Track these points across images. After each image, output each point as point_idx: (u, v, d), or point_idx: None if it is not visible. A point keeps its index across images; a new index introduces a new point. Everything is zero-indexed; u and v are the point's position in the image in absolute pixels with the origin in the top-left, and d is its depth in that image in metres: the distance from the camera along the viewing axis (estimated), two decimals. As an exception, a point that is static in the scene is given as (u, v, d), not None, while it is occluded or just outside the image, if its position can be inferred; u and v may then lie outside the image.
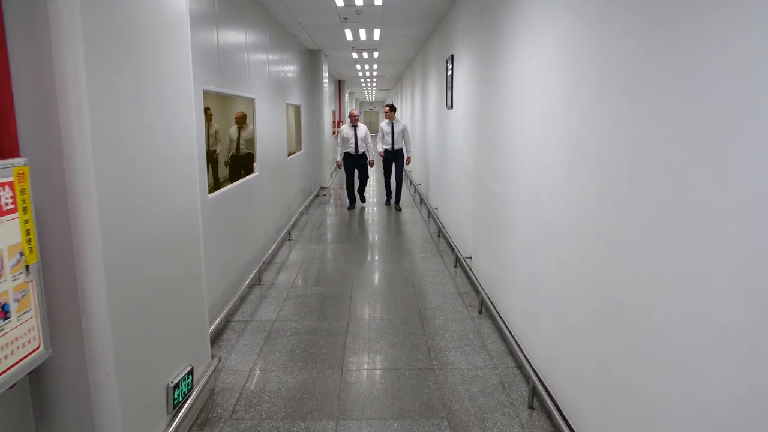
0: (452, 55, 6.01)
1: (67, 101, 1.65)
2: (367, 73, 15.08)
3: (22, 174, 1.48)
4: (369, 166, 8.61)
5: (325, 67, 10.48)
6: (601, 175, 2.15)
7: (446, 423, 2.68)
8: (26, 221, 1.49)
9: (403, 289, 4.76)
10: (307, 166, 9.67)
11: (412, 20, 6.93)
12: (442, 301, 4.44)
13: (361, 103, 35.39)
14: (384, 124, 8.45)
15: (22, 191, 1.48)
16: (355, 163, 8.51)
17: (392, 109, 8.37)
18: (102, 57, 1.80)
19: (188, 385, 2.54)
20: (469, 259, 4.99)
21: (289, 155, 7.78)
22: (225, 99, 8.38)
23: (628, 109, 1.90)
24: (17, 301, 1.46)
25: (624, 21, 1.93)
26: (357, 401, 2.89)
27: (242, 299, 4.46)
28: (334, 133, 13.25)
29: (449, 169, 6.43)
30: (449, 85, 6.24)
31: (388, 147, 8.42)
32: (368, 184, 9.14)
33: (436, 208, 7.52)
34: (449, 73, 6.21)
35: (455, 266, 5.43)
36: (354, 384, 3.08)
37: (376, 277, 5.14)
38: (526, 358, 3.05)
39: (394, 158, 8.49)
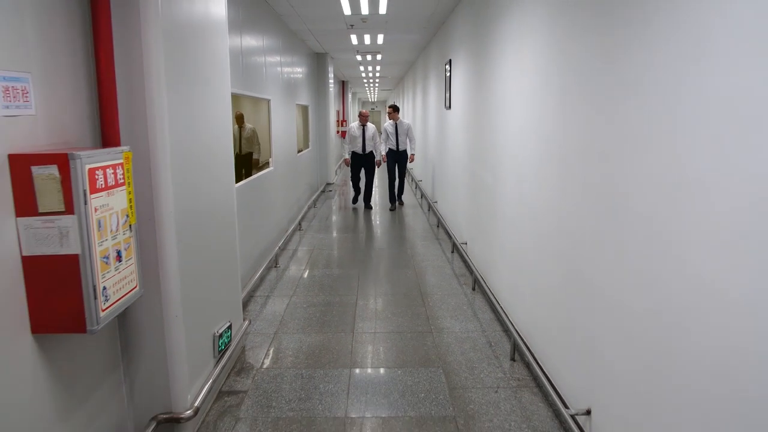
0: (450, 60, 6.55)
1: (152, 109, 2.19)
2: (370, 74, 15.61)
3: (127, 158, 2.02)
4: (377, 166, 8.68)
5: (330, 69, 11.02)
6: (564, 163, 2.68)
7: (441, 370, 3.22)
8: (129, 192, 2.03)
9: (405, 270, 5.29)
10: (314, 162, 10.21)
11: (414, 27, 7.46)
12: (440, 280, 4.98)
13: (363, 102, 35.92)
14: (388, 125, 8.50)
15: (127, 170, 2.02)
16: (361, 162, 8.61)
17: (395, 109, 8.47)
18: (174, 77, 2.34)
19: (228, 337, 3.08)
20: (464, 245, 5.53)
21: (298, 152, 8.32)
22: (235, 98, 8.92)
23: (581, 110, 2.44)
24: (125, 250, 2.00)
25: (580, 40, 2.47)
26: (366, 355, 3.43)
27: (261, 279, 5.00)
28: (337, 132, 13.76)
29: (447, 165, 6.96)
30: (447, 87, 6.77)
31: (393, 147, 8.48)
32: (373, 186, 9.11)
33: (436, 202, 8.06)
34: (447, 75, 6.75)
35: (452, 252, 5.96)
36: (364, 343, 3.62)
37: (381, 261, 5.67)
38: (510, 322, 3.58)
39: (399, 159, 8.56)
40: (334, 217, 8.21)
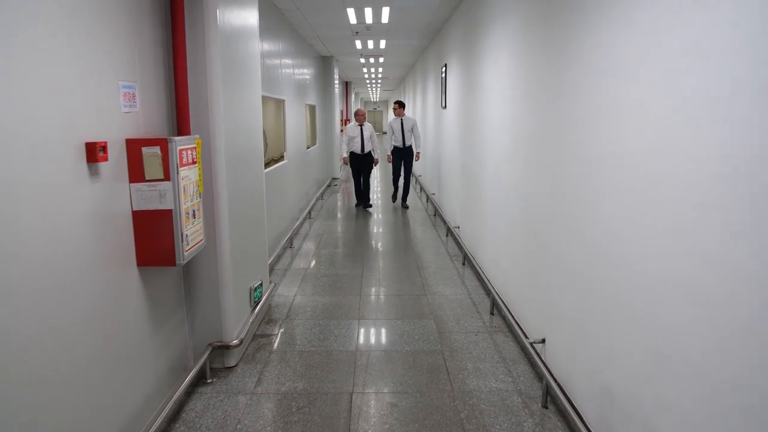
0: (446, 64, 7.27)
1: (212, 109, 2.92)
2: (373, 76, 16.33)
3: (198, 143, 2.75)
4: (375, 165, 8.63)
5: (336, 71, 11.75)
6: (527, 150, 3.41)
7: (432, 321, 3.95)
8: (199, 168, 2.76)
9: (405, 250, 6.03)
10: (320, 158, 10.94)
11: (413, 33, 8.19)
12: (435, 257, 5.71)
13: (366, 102, 36.65)
14: (393, 121, 8.39)
15: (198, 153, 2.75)
16: (359, 162, 8.48)
17: (401, 105, 8.38)
18: (225, 85, 3.06)
19: (260, 292, 3.81)
20: (457, 229, 6.25)
21: (307, 148, 9.05)
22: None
23: (538, 107, 3.17)
24: (197, 211, 2.73)
25: (535, 52, 3.19)
26: (371, 310, 4.17)
27: (279, 257, 5.73)
28: (341, 131, 14.48)
29: (444, 159, 7.69)
30: (443, 89, 7.50)
31: (399, 144, 8.37)
32: (372, 186, 9.12)
33: (433, 194, 8.79)
34: (443, 77, 7.47)
35: (447, 235, 6.69)
36: (369, 303, 4.35)
37: (383, 243, 6.41)
38: (491, 285, 4.31)
39: (404, 156, 8.43)
40: (340, 208, 8.94)
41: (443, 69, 7.46)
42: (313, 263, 5.52)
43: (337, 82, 12.07)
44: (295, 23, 7.33)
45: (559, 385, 2.75)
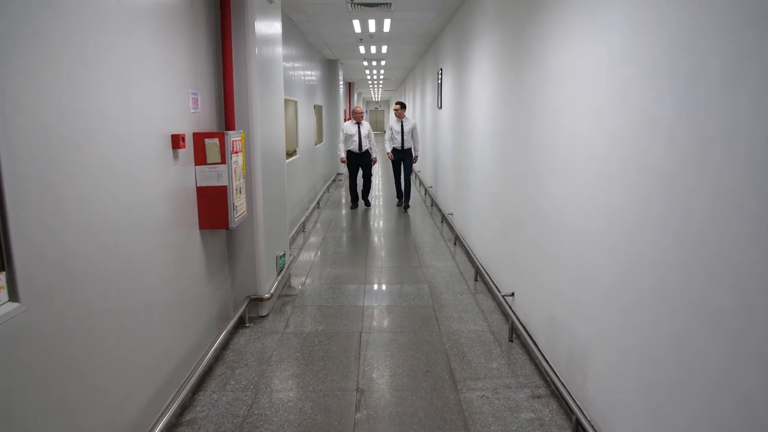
0: (441, 69, 8.08)
1: (251, 110, 3.73)
2: (375, 77, 17.14)
3: (242, 136, 3.56)
4: (373, 163, 8.58)
5: (340, 74, 12.57)
6: (499, 143, 4.21)
7: (426, 285, 4.76)
8: (243, 156, 3.57)
9: (404, 234, 6.84)
10: (326, 155, 11.75)
11: (412, 40, 8.99)
12: (430, 239, 6.52)
13: (368, 102, 37.44)
14: (393, 123, 8.41)
15: (242, 144, 3.55)
16: (358, 161, 8.40)
17: (403, 106, 8.39)
18: (261, 90, 3.87)
19: (283, 260, 4.62)
20: (450, 215, 7.06)
21: (315, 145, 9.86)
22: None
23: (507, 107, 3.97)
24: (242, 188, 3.54)
25: (505, 61, 4.00)
26: (375, 278, 4.98)
27: (293, 238, 6.54)
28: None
29: (440, 155, 8.50)
30: (439, 91, 8.31)
31: (398, 146, 8.34)
32: (372, 186, 9.11)
33: (431, 186, 9.59)
34: (439, 81, 8.28)
35: (442, 222, 7.50)
36: (373, 272, 5.16)
37: (385, 229, 7.22)
38: (476, 257, 5.11)
39: (403, 157, 8.41)
40: (345, 200, 9.75)
41: (439, 73, 8.26)
42: (323, 243, 6.34)
43: (341, 83, 12.88)
44: (305, 31, 8.14)
45: (522, 324, 3.55)
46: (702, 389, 1.63)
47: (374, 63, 12.70)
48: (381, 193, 10.51)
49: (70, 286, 1.92)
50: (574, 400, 2.58)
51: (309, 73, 9.03)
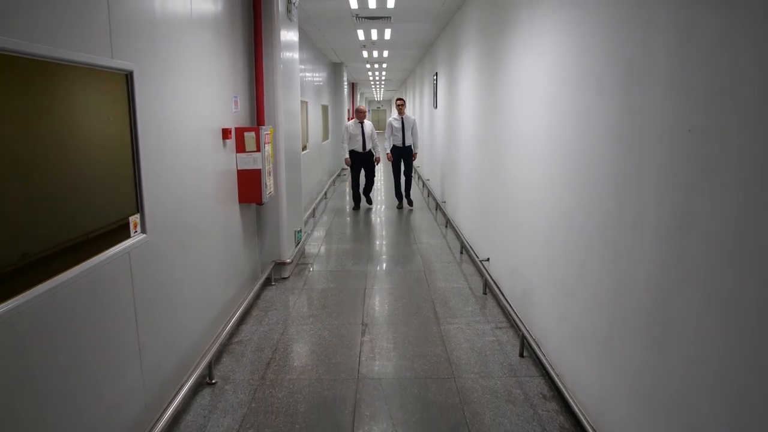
0: (437, 72, 8.99)
1: (277, 109, 4.65)
2: (377, 78, 18.05)
3: (272, 131, 4.47)
4: (377, 163, 8.52)
5: (345, 75, 13.48)
6: (478, 136, 5.12)
7: (419, 257, 5.67)
8: (272, 146, 4.48)
9: (401, 220, 7.75)
10: (332, 151, 12.67)
11: (411, 46, 9.90)
12: (425, 224, 7.44)
13: (370, 101, 38.34)
14: (393, 120, 8.37)
15: (271, 137, 4.46)
16: (361, 161, 8.31)
17: (405, 103, 8.38)
18: (285, 93, 4.78)
19: (300, 235, 5.54)
20: (444, 203, 7.97)
21: (322, 142, 10.78)
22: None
23: (484, 105, 4.88)
24: (271, 172, 4.45)
25: (482, 70, 4.90)
26: (377, 252, 5.89)
27: (305, 222, 7.45)
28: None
29: (435, 150, 9.41)
30: (435, 92, 9.21)
31: (399, 144, 8.31)
32: (374, 185, 9.07)
33: (428, 179, 10.50)
34: (435, 83, 9.18)
35: (436, 209, 8.41)
36: (375, 248, 6.07)
37: (385, 216, 8.13)
38: (462, 234, 6.01)
39: (404, 155, 8.37)
40: (349, 192, 10.67)
41: (435, 76, 9.17)
42: (331, 225, 7.26)
43: (346, 85, 13.79)
44: (314, 39, 9.06)
45: (493, 281, 4.45)
46: (592, 296, 2.54)
47: (376, 66, 13.60)
48: (382, 185, 11.41)
49: (173, 228, 2.84)
50: (523, 324, 3.48)
51: (317, 75, 9.94)
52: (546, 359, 3.04)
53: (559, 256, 2.92)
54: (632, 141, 2.07)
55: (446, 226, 7.16)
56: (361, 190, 8.60)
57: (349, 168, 8.62)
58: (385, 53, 10.95)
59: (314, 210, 8.03)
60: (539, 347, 3.17)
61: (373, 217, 8.00)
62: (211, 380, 3.09)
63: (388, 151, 8.44)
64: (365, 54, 11.06)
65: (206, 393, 2.98)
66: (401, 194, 8.58)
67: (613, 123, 2.25)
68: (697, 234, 1.65)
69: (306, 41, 8.46)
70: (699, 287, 1.64)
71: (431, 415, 2.74)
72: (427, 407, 2.81)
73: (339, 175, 13.04)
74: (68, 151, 2.04)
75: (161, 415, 2.52)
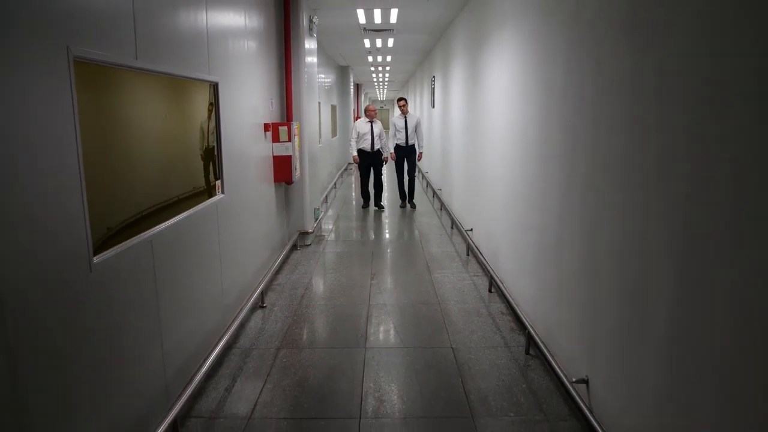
0: (434, 76, 10.14)
1: (302, 108, 5.81)
2: (381, 79, 19.20)
3: (298, 126, 5.63)
4: (385, 163, 8.41)
5: (351, 77, 14.64)
6: (464, 129, 6.27)
7: (417, 231, 6.84)
8: (299, 138, 5.64)
9: (403, 208, 8.92)
10: (340, 146, 13.84)
11: (412, 51, 11.05)
12: (423, 207, 8.60)
13: (373, 101, 39.54)
14: (396, 119, 8.41)
15: (298, 130, 5.62)
16: (369, 161, 8.27)
17: (407, 102, 8.48)
18: (307, 95, 5.94)
19: (318, 212, 6.69)
20: (440, 191, 9.12)
21: (331, 138, 11.94)
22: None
23: (467, 105, 6.03)
24: (298, 158, 5.60)
25: (466, 75, 6.06)
26: (381, 228, 7.05)
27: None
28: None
29: (433, 145, 10.56)
30: (432, 93, 10.37)
31: (402, 143, 8.30)
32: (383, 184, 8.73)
33: (427, 172, 11.66)
34: (432, 86, 10.34)
35: (433, 196, 9.57)
36: (378, 224, 7.23)
37: (388, 203, 9.29)
38: (452, 213, 7.16)
39: (406, 154, 8.36)
40: (356, 183, 11.83)
41: (432, 79, 10.33)
42: (341, 209, 8.42)
43: (352, 86, 14.95)
44: (325, 46, 10.21)
45: (475, 245, 5.59)
46: (529, 240, 3.68)
47: (380, 68, 14.76)
48: (386, 178, 12.56)
49: (237, 193, 4.00)
50: (492, 270, 4.63)
51: (327, 78, 11.10)
52: (506, 291, 4.18)
53: (512, 217, 4.07)
54: (544, 133, 3.22)
55: (441, 209, 8.31)
56: (370, 190, 8.50)
57: (356, 164, 8.56)
58: (388, 58, 12.10)
59: (326, 197, 9.19)
60: (502, 284, 4.32)
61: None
62: (263, 305, 4.26)
63: (392, 151, 8.47)
64: (370, 59, 12.21)
65: (259, 312, 4.15)
66: (404, 194, 8.59)
67: (538, 119, 3.40)
68: (576, 193, 2.79)
69: (318, 48, 9.61)
70: (577, 221, 2.78)
71: (420, 322, 3.90)
72: (418, 319, 3.97)
73: (346, 169, 14.20)
74: (193, 132, 3.20)
75: (232, 323, 3.67)
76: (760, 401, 1.43)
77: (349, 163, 14.80)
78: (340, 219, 7.79)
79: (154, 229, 2.58)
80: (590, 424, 2.44)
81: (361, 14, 7.02)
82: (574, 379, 2.65)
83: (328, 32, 8.48)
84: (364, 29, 8.13)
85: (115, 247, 2.19)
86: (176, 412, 2.50)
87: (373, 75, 17.02)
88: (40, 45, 1.71)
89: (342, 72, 14.21)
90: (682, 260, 1.77)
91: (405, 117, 8.28)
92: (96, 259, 2.02)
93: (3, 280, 1.53)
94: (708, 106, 1.64)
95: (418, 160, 8.62)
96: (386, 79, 18.96)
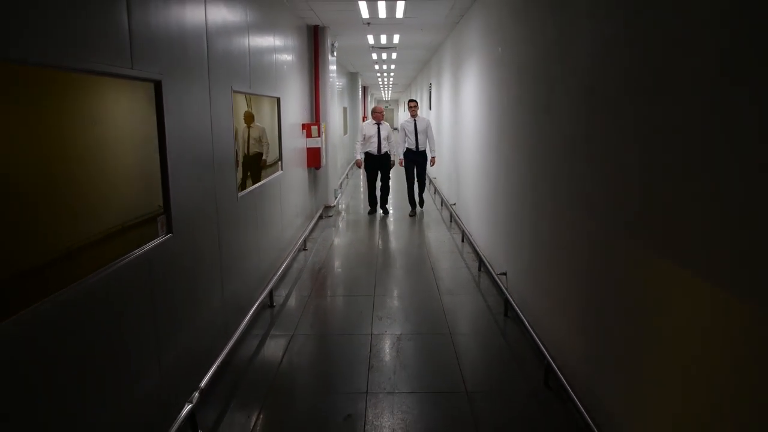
0: (430, 83, 12.01)
1: (327, 112, 7.70)
2: (386, 82, 21.08)
3: (324, 125, 7.50)
4: (391, 167, 8.22)
5: (360, 81, 16.53)
6: (450, 128, 8.13)
7: (421, 224, 8.71)
8: (325, 134, 7.50)
9: (404, 198, 10.81)
10: (349, 144, 15.74)
11: (413, 61, 12.91)
12: (425, 203, 10.47)
13: (379, 101, 41.40)
14: (406, 122, 8.00)
15: (324, 128, 7.48)
16: (376, 164, 8.08)
17: (417, 105, 8.12)
18: (331, 101, 7.80)
19: (337, 192, 8.56)
20: (435, 179, 10.97)
21: (343, 135, 13.81)
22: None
23: (453, 107, 7.89)
24: (324, 149, 7.47)
25: (452, 83, 7.92)
26: (385, 225, 8.93)
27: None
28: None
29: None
30: (429, 98, 12.24)
31: (412, 147, 7.95)
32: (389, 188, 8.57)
33: (435, 178, 13.53)
34: (430, 91, 12.20)
35: (434, 193, 11.43)
36: (385, 223, 9.11)
37: (394, 187, 11.17)
38: (450, 207, 9.00)
39: (417, 160, 8.04)
40: (364, 179, 13.71)
41: (429, 85, 12.19)
42: (350, 203, 10.32)
43: (360, 89, 16.84)
44: (339, 58, 12.05)
45: (458, 218, 7.43)
46: (485, 205, 5.54)
47: (385, 74, 16.63)
48: (392, 179, 14.43)
49: (288, 171, 5.89)
50: (465, 229, 6.48)
51: (339, 84, 12.98)
52: (472, 239, 6.03)
53: (480, 192, 5.92)
54: (495, 130, 5.07)
55: (441, 205, 10.18)
56: (377, 195, 8.31)
57: (360, 168, 8.44)
58: (393, 66, 13.97)
59: (341, 184, 11.08)
60: (470, 236, 6.18)
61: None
62: (305, 248, 6.16)
63: (401, 157, 8.11)
64: (377, 67, 14.08)
65: (302, 254, 6.03)
66: (414, 201, 8.27)
67: (492, 119, 5.26)
68: (510, 177, 4.64)
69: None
70: (503, 195, 4.62)
71: (411, 254, 5.81)
72: (413, 259, 5.85)
73: (351, 168, 16.11)
74: (264, 126, 5.09)
75: (286, 257, 5.53)
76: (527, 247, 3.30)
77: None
78: (353, 200, 9.68)
79: (262, 181, 4.57)
80: (506, 298, 4.31)
81: (370, 38, 8.89)
82: (499, 272, 4.52)
83: (342, 49, 10.35)
84: (372, 47, 10.00)
85: (245, 190, 4.09)
86: (270, 288, 4.39)
87: (379, 79, 18.89)
88: (223, 84, 3.60)
89: (351, 77, 16.08)
90: (531, 193, 3.64)
91: (414, 120, 7.88)
92: (240, 194, 3.92)
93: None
94: (536, 111, 3.51)
95: (431, 165, 8.34)
96: (390, 83, 20.83)
